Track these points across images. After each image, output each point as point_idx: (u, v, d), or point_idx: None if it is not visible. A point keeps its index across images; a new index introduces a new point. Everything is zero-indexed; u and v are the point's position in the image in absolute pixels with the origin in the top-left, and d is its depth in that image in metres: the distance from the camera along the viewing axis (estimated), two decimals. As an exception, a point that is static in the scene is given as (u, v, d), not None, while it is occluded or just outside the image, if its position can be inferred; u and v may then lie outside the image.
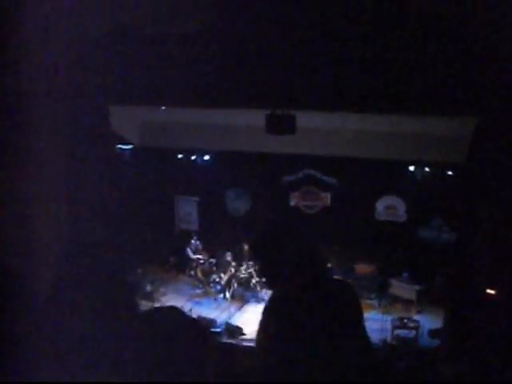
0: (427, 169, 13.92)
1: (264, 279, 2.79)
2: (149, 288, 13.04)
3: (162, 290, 13.64)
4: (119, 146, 13.90)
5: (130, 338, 1.99)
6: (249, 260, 14.61)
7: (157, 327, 2.04)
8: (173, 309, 2.19)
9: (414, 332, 11.54)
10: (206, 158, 15.33)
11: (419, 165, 13.88)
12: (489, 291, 9.88)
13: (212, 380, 2.04)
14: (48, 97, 7.47)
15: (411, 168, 14.04)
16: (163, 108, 11.70)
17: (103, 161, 10.48)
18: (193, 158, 15.41)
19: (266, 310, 2.67)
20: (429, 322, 12.09)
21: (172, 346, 1.98)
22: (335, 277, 2.66)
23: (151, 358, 1.95)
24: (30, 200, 7.02)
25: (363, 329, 2.68)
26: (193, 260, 15.05)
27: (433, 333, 11.25)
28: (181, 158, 15.39)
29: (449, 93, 8.45)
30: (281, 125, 10.31)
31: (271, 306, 2.69)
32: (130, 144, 14.30)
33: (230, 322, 12.32)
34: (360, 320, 2.67)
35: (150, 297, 12.72)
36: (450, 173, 13.51)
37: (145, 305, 11.71)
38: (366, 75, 8.36)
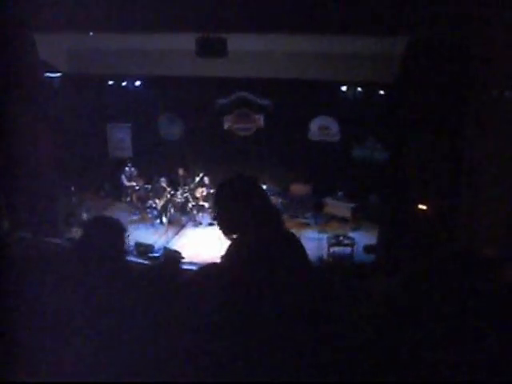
0: (359, 89, 13.99)
1: (220, 226, 2.84)
2: (85, 216, 12.90)
3: (98, 217, 13.45)
4: (48, 74, 13.38)
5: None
6: (184, 185, 14.63)
7: None
8: None
9: (349, 249, 11.84)
10: (137, 83, 14.98)
11: (351, 85, 13.93)
12: (420, 207, 10.19)
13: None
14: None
15: (343, 88, 14.08)
16: (91, 34, 11.31)
17: (32, 90, 10.11)
18: (123, 84, 15.05)
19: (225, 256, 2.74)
20: (364, 238, 12.42)
21: None
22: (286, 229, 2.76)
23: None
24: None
25: (309, 271, 2.82)
26: (128, 187, 14.96)
27: (368, 249, 11.55)
28: (111, 85, 15.01)
29: (379, 12, 8.43)
30: (212, 48, 10.21)
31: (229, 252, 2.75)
32: (59, 72, 13.81)
33: (167, 246, 12.35)
34: (305, 264, 2.80)
35: (86, 224, 12.57)
36: (381, 92, 13.62)
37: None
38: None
